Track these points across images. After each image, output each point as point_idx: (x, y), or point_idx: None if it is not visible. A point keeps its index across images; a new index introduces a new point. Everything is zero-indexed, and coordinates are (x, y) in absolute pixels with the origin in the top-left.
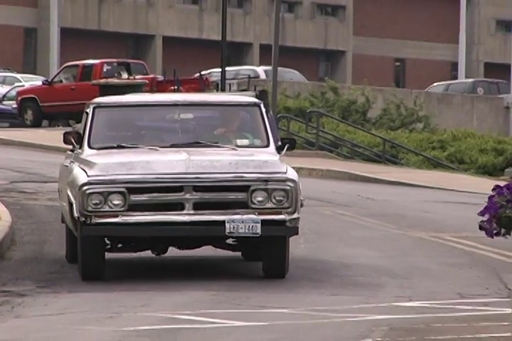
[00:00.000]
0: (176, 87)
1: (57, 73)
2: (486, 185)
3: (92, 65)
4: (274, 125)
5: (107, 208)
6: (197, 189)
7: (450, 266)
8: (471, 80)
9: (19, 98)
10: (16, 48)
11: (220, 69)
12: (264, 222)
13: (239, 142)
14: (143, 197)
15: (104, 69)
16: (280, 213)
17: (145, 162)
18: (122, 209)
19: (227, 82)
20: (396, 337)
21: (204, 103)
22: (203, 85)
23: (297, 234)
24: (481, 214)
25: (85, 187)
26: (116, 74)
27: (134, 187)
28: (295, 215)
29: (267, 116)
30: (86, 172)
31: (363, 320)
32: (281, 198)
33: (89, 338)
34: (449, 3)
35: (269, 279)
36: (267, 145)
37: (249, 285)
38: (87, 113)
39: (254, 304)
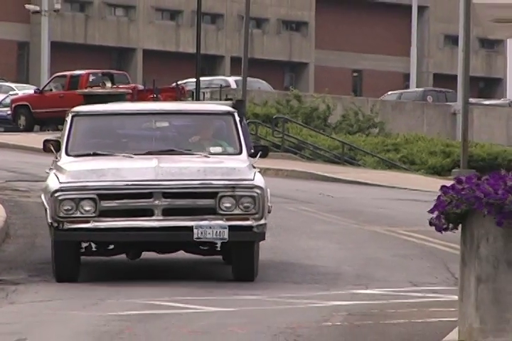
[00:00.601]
0: (155, 96)
1: (48, 83)
2: (435, 184)
3: (79, 75)
4: (248, 133)
5: (78, 214)
6: (166, 195)
7: (402, 257)
8: (421, 89)
9: (13, 105)
10: (10, 60)
11: (194, 80)
12: (231, 228)
13: (212, 149)
14: (113, 204)
15: (90, 79)
16: (247, 219)
17: (115, 169)
18: (93, 215)
19: (201, 90)
20: (354, 321)
21: (180, 112)
22: (179, 94)
23: (264, 239)
24: (431, 211)
25: (57, 194)
26: (100, 84)
27: (104, 194)
28: (262, 221)
29: (241, 125)
30: (58, 179)
31: (324, 306)
32: (249, 204)
33: (76, 322)
34: (402, 19)
35: None
36: (240, 153)
37: (222, 276)
38: (66, 121)
39: (225, 292)
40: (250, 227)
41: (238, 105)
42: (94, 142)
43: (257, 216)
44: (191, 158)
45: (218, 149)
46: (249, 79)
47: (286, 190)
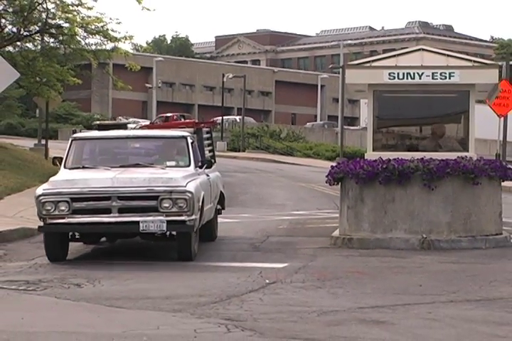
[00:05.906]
0: (203, 125)
1: (155, 119)
2: (328, 165)
3: (169, 116)
4: (197, 151)
5: (56, 212)
6: (120, 198)
7: (313, 197)
8: (322, 122)
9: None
10: (137, 109)
11: (220, 117)
12: (169, 222)
13: (168, 163)
14: (82, 204)
15: (174, 117)
16: (181, 215)
17: (84, 179)
18: (67, 213)
19: (224, 122)
20: (292, 226)
21: (147, 136)
22: (215, 124)
23: (195, 231)
24: (327, 176)
25: (40, 197)
26: (180, 119)
27: (75, 197)
28: (193, 217)
29: (192, 145)
30: (43, 187)
31: (278, 219)
32: (182, 204)
33: None
34: (313, 90)
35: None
36: (189, 165)
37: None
38: (68, 143)
39: (234, 211)
40: (184, 221)
41: (198, 132)
42: (84, 158)
43: (189, 213)
44: (147, 170)
45: (173, 163)
46: (245, 117)
47: (261, 167)
